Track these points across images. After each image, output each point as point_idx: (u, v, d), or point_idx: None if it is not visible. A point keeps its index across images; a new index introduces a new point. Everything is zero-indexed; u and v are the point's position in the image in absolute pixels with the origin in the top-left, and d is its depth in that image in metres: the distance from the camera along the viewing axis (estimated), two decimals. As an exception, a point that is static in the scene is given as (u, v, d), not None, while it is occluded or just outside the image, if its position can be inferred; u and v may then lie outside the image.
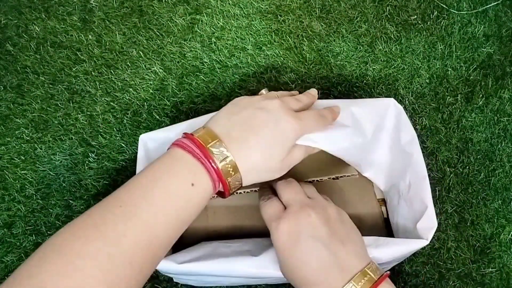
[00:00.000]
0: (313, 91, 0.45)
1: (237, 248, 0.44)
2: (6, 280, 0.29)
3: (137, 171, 0.44)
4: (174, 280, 0.49)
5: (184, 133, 0.38)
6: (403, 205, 0.46)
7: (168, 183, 0.34)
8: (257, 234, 0.47)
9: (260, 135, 0.37)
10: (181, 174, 0.35)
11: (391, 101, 0.45)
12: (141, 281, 0.32)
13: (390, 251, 0.40)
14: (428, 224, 0.41)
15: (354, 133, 0.43)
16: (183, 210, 0.34)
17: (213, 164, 0.35)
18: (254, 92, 0.58)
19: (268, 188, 0.44)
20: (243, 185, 0.38)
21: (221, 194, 0.39)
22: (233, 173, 0.36)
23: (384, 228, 0.50)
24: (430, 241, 0.49)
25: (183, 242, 0.48)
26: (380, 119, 0.45)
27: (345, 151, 0.42)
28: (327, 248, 0.37)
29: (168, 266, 0.40)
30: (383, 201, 0.51)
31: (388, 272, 0.38)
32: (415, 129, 0.56)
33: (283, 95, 0.43)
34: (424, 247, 0.51)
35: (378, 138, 0.46)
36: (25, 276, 0.29)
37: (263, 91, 0.44)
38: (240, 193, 0.49)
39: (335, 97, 0.58)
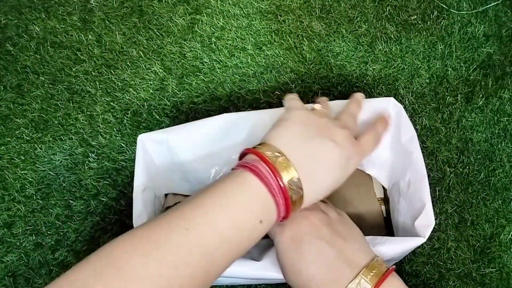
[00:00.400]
0: (359, 96, 0.45)
1: None
2: (56, 281, 0.28)
3: (136, 171, 0.44)
4: None
5: (255, 151, 0.34)
6: (403, 203, 0.46)
7: (236, 214, 0.32)
8: None
9: (331, 173, 0.36)
10: (251, 209, 0.33)
11: (391, 100, 0.46)
12: None
13: (387, 249, 0.40)
14: (426, 222, 0.42)
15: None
16: (245, 242, 0.33)
17: (284, 199, 0.34)
18: (254, 92, 0.58)
19: None
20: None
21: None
22: (297, 196, 0.34)
23: (384, 227, 0.50)
24: (430, 241, 0.49)
25: None
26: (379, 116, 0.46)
27: None
28: (332, 245, 0.37)
29: None
30: (383, 200, 0.51)
31: (394, 266, 0.38)
32: (415, 129, 0.56)
33: (343, 113, 0.42)
34: (424, 247, 0.51)
35: None
36: (79, 286, 0.27)
37: (316, 106, 0.42)
38: None
39: (335, 97, 0.58)
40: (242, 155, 0.36)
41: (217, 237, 0.31)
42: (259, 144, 0.35)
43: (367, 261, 0.37)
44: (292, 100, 0.41)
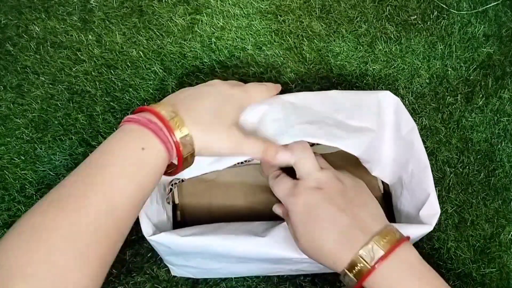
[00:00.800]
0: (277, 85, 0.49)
1: (240, 227, 0.44)
2: None
3: None
4: (172, 274, 0.49)
5: (140, 107, 0.39)
6: (406, 195, 0.46)
7: (118, 152, 0.36)
8: (258, 216, 0.48)
9: (206, 102, 0.40)
10: (129, 142, 0.36)
11: (387, 93, 0.46)
12: (112, 248, 0.34)
13: None
14: (431, 211, 0.42)
15: (357, 129, 0.43)
16: (138, 173, 0.35)
17: (164, 129, 0.37)
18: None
19: (274, 167, 0.45)
20: (196, 151, 0.39)
21: (173, 168, 0.40)
22: (181, 128, 0.37)
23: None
24: (430, 241, 0.49)
25: (186, 221, 0.49)
26: (379, 113, 0.45)
27: (353, 147, 0.43)
28: (345, 212, 0.38)
29: (171, 239, 0.41)
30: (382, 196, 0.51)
31: (408, 236, 0.38)
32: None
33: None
34: (424, 247, 0.51)
35: (381, 132, 0.46)
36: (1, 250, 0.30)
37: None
38: (242, 163, 0.49)
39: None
40: (137, 112, 0.40)
41: (107, 177, 0.34)
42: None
43: (381, 228, 0.37)
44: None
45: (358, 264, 0.36)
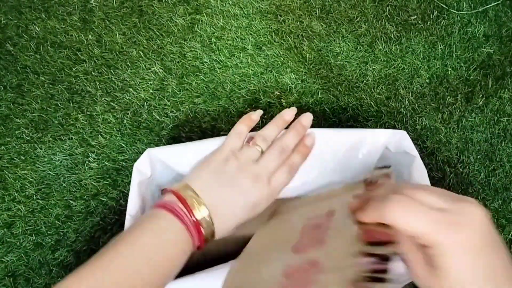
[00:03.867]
0: (305, 120, 0.44)
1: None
2: None
3: (130, 201, 0.42)
4: None
5: (171, 190, 0.38)
6: None
7: (150, 247, 0.35)
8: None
9: (236, 215, 0.40)
10: (167, 239, 0.36)
11: (403, 133, 0.43)
12: None
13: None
14: None
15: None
16: (156, 255, 0.35)
17: (197, 232, 0.37)
18: (254, 92, 0.58)
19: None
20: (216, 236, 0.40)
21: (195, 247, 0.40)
22: (210, 238, 0.38)
23: None
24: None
25: None
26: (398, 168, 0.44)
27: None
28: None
29: None
30: None
31: None
32: (415, 129, 0.56)
33: (272, 146, 0.42)
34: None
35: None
36: None
37: (251, 143, 0.43)
38: None
39: (336, 97, 0.58)
40: (162, 193, 0.40)
41: (136, 254, 0.34)
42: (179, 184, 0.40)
43: None
44: (234, 132, 0.42)
45: None
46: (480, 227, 0.29)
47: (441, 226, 0.28)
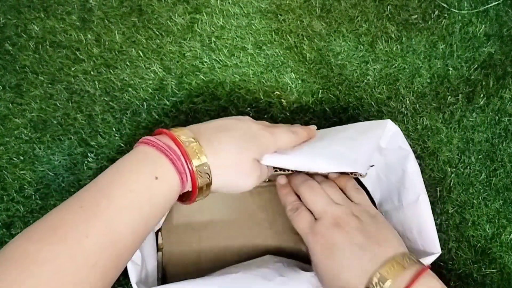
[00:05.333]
0: (311, 129, 0.46)
1: (245, 273, 0.41)
2: None
3: None
4: None
5: (158, 130, 0.37)
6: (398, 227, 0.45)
7: (129, 178, 0.33)
8: (254, 253, 0.46)
9: (232, 135, 0.37)
10: (142, 168, 0.33)
11: (388, 122, 0.45)
12: (107, 284, 0.31)
13: None
14: (430, 249, 0.41)
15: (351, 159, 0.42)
16: (147, 206, 0.33)
17: (181, 158, 0.34)
18: (254, 92, 0.58)
19: (290, 193, 0.44)
20: (212, 185, 0.37)
21: (188, 197, 0.37)
22: (199, 156, 0.35)
23: None
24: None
25: (171, 273, 0.46)
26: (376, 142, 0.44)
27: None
28: (365, 250, 0.38)
29: None
30: None
31: (429, 265, 0.38)
32: (416, 129, 0.56)
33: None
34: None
35: (374, 158, 0.45)
36: None
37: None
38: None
39: (336, 97, 0.58)
40: (155, 134, 0.37)
41: (113, 206, 0.31)
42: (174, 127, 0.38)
43: (402, 261, 0.37)
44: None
45: None
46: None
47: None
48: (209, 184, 0.36)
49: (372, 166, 0.47)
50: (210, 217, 0.48)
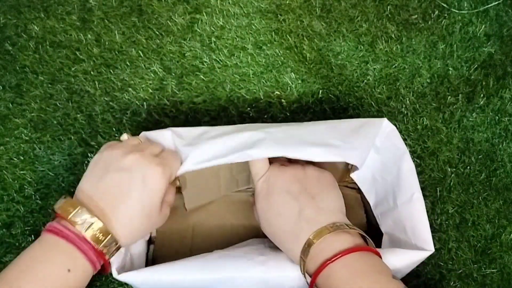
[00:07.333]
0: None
1: (231, 250, 0.42)
2: None
3: None
4: None
5: (56, 212, 0.36)
6: (392, 225, 0.45)
7: (40, 271, 0.32)
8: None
9: (130, 202, 0.36)
10: (53, 258, 0.33)
11: (384, 121, 0.44)
12: None
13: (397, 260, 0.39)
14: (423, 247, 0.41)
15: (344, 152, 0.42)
16: None
17: (92, 249, 0.34)
18: (254, 92, 0.58)
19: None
20: (123, 246, 0.36)
21: (103, 269, 0.37)
22: (103, 238, 0.34)
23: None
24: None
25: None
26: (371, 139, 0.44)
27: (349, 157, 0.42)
28: (296, 201, 0.38)
29: (144, 279, 0.37)
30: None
31: (362, 246, 0.36)
32: (416, 129, 0.56)
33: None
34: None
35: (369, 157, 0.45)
36: None
37: (124, 136, 0.42)
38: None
39: (336, 97, 0.58)
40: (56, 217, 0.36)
41: None
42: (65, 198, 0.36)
43: (327, 223, 0.36)
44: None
45: (301, 263, 0.36)
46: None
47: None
48: (119, 247, 0.36)
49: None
50: (205, 216, 0.49)
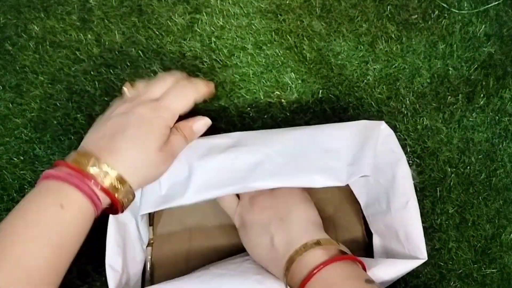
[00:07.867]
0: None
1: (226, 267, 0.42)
2: None
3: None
4: None
5: (55, 162, 0.36)
6: (386, 231, 0.45)
7: (32, 211, 0.33)
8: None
9: (126, 134, 0.37)
10: (45, 199, 0.33)
11: (382, 124, 0.44)
12: None
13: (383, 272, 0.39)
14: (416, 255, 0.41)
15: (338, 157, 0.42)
16: (56, 236, 0.32)
17: (91, 183, 0.34)
18: (254, 92, 0.58)
19: None
20: (134, 188, 0.37)
21: (114, 210, 0.37)
22: (120, 185, 0.35)
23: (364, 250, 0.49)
24: (431, 242, 0.48)
25: (160, 269, 0.47)
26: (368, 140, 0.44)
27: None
28: (267, 230, 0.40)
29: None
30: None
31: (342, 257, 0.37)
32: (416, 129, 0.56)
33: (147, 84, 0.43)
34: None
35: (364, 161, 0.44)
36: None
37: (125, 88, 0.43)
38: None
39: (336, 97, 0.58)
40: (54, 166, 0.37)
41: (20, 244, 0.31)
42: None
43: (299, 245, 0.38)
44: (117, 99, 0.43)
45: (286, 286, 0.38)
46: None
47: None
48: (129, 189, 0.36)
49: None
50: (202, 216, 0.49)
